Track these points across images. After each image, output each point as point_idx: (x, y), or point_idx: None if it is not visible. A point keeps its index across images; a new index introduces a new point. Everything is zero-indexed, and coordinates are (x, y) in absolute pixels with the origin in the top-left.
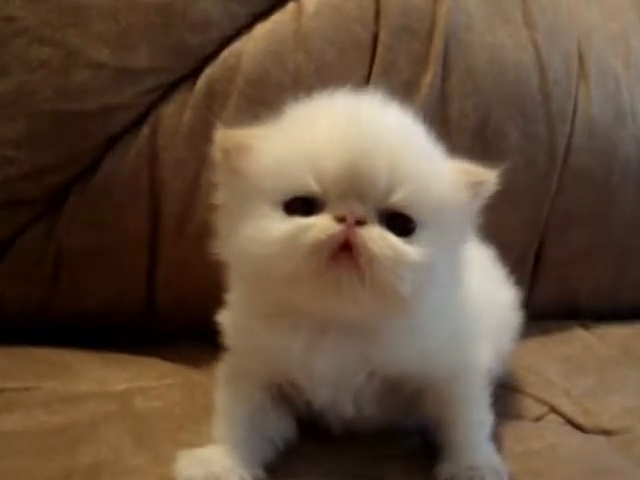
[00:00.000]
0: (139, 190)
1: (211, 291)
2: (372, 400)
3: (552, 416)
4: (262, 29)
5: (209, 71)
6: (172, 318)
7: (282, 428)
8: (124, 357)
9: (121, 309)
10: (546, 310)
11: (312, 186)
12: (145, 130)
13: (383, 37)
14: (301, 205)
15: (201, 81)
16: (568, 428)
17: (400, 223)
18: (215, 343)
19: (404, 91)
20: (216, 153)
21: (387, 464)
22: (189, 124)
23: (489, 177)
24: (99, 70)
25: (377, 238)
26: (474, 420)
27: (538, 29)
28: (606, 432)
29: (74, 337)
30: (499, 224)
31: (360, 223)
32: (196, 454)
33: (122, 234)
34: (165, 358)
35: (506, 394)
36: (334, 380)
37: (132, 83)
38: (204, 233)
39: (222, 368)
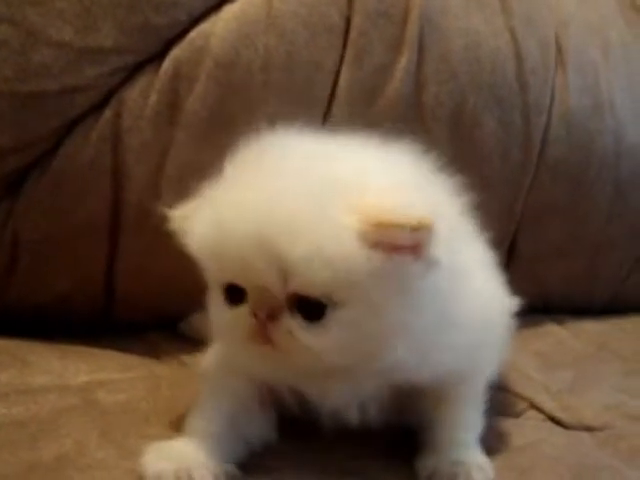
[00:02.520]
0: (101, 175)
1: (174, 281)
2: (376, 404)
3: (532, 412)
4: (232, 10)
5: (176, 53)
6: (133, 309)
7: (263, 428)
8: (84, 349)
9: (79, 300)
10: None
11: (229, 276)
12: (108, 113)
13: (357, 21)
14: (234, 292)
15: (167, 63)
16: (549, 424)
17: (309, 307)
18: (180, 334)
19: (378, 76)
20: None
21: (369, 460)
22: (154, 107)
23: (404, 231)
24: (60, 50)
25: (284, 335)
26: (466, 420)
27: (515, 16)
28: (588, 428)
29: (30, 328)
30: (472, 216)
31: (270, 316)
32: (165, 447)
33: (82, 222)
34: (128, 350)
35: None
36: (347, 397)
37: (95, 64)
38: (168, 222)
39: (210, 359)
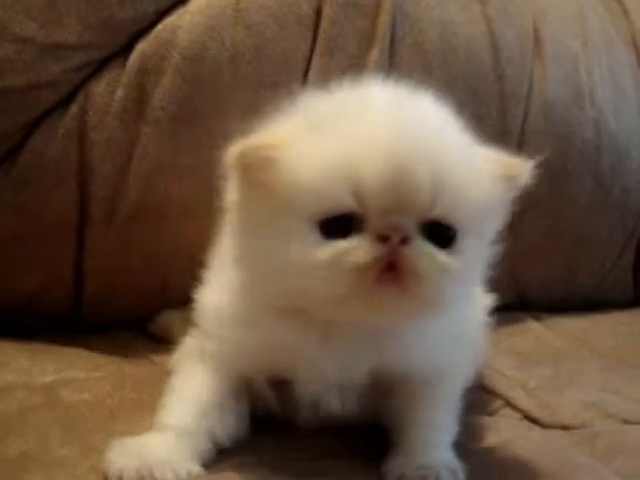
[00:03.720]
0: (67, 172)
1: (142, 281)
2: (355, 397)
3: (507, 410)
4: (199, 2)
5: (142, 47)
6: (102, 308)
7: (234, 424)
8: (53, 348)
9: (49, 299)
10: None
11: (350, 203)
12: (74, 109)
13: (327, 11)
14: (338, 224)
15: (133, 57)
16: (525, 423)
17: (441, 233)
18: (149, 334)
19: (349, 68)
20: (232, 169)
21: (334, 461)
22: (121, 102)
23: (524, 169)
24: (24, 45)
25: (422, 257)
26: (440, 422)
27: (491, 5)
28: (566, 427)
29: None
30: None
31: (403, 241)
32: (129, 443)
33: (49, 220)
34: (97, 349)
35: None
36: (336, 377)
37: (60, 59)
38: (135, 219)
39: (188, 352)
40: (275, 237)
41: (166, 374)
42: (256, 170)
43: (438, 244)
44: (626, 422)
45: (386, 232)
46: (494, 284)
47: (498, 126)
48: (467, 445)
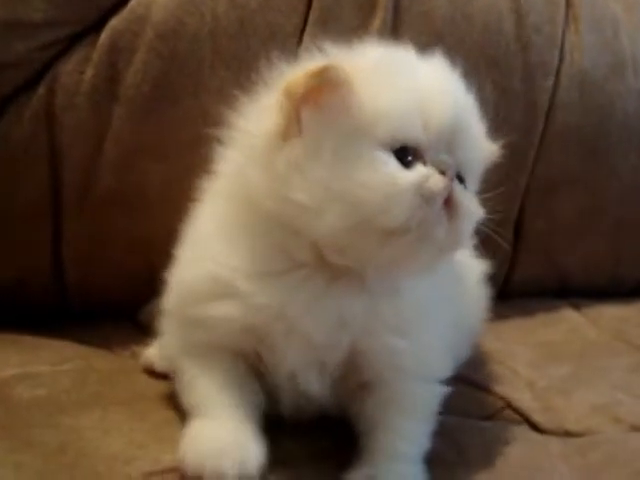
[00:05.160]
0: (37, 157)
1: (129, 268)
2: (331, 385)
3: (508, 413)
4: None
5: (114, 23)
6: (88, 297)
7: (258, 393)
8: (23, 339)
9: (29, 289)
10: (530, 288)
11: (421, 136)
12: (41, 90)
13: None
14: (407, 154)
15: (105, 34)
16: (523, 428)
17: (460, 178)
18: (139, 323)
19: (346, 42)
20: (296, 89)
21: (295, 465)
22: (91, 82)
23: (494, 149)
24: None
25: (467, 196)
26: (410, 431)
27: None
28: (568, 433)
29: None
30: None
31: (451, 178)
32: (200, 440)
33: (22, 207)
34: (79, 340)
35: (459, 388)
36: (308, 357)
37: (25, 38)
38: (112, 204)
39: (174, 344)
40: (351, 161)
41: (138, 367)
42: (329, 90)
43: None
44: (633, 429)
45: (444, 167)
46: (529, 269)
47: (523, 100)
48: (446, 454)
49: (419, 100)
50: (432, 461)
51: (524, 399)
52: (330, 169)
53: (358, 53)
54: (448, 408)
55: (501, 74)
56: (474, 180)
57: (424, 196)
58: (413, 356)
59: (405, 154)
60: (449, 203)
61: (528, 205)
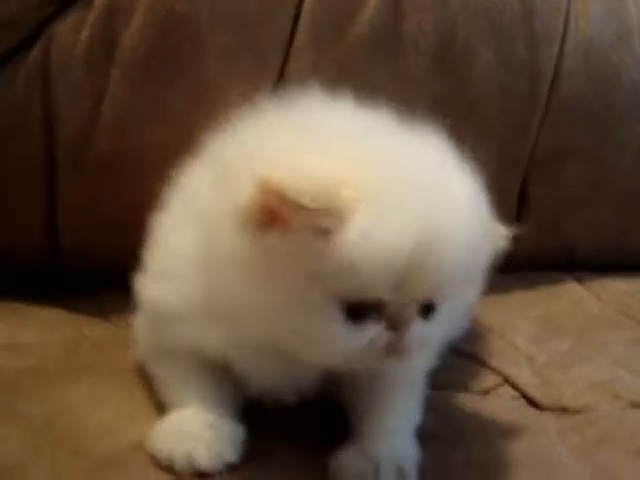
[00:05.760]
0: (31, 119)
1: (127, 235)
2: (312, 383)
3: (505, 389)
4: None
5: None
6: (84, 265)
7: (236, 394)
8: (17, 307)
9: (22, 255)
10: (534, 260)
11: (388, 296)
12: (36, 51)
13: None
14: (363, 308)
15: None
16: (519, 404)
17: (428, 306)
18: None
19: (348, 3)
20: (266, 208)
21: (283, 445)
22: (87, 43)
23: (506, 238)
24: None
25: (418, 338)
26: (398, 405)
27: None
28: (565, 409)
29: None
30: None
31: (407, 325)
32: (170, 428)
33: (14, 171)
34: (74, 309)
35: (456, 361)
36: (280, 381)
37: None
38: (108, 169)
39: (146, 340)
40: (290, 298)
41: (130, 337)
42: (299, 231)
43: (424, 315)
44: (633, 405)
45: (400, 323)
46: (534, 241)
47: (528, 68)
48: (439, 429)
49: (410, 253)
50: (426, 438)
51: (522, 374)
52: (267, 293)
53: (355, 146)
54: (444, 382)
55: (505, 41)
56: (456, 295)
57: (358, 352)
58: None
59: (362, 309)
60: (393, 350)
61: (533, 175)
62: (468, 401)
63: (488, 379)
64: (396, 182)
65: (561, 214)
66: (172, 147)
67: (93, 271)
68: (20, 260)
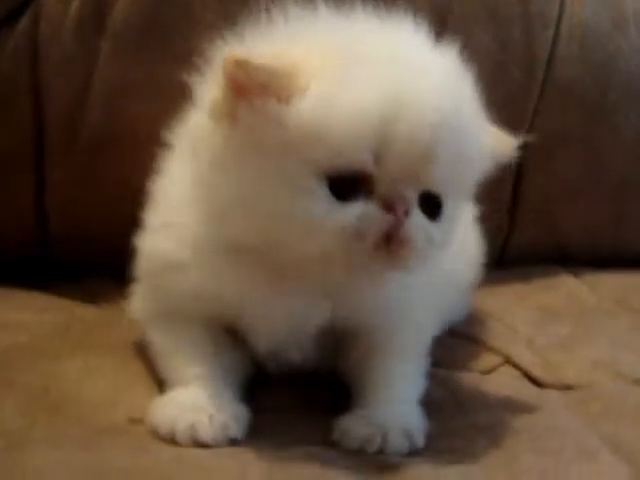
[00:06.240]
0: (19, 93)
1: (119, 218)
2: (314, 347)
3: (506, 368)
4: None
5: None
6: (73, 249)
7: (241, 361)
8: (7, 291)
9: (10, 239)
10: (528, 254)
11: (369, 164)
12: (24, 22)
13: None
14: (347, 183)
15: None
16: (521, 382)
17: (432, 203)
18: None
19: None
20: (230, 84)
21: (286, 413)
22: (77, 14)
23: (512, 146)
24: None
25: (419, 230)
26: (402, 374)
27: None
28: (568, 387)
29: None
30: None
31: (406, 212)
32: (171, 402)
33: (2, 149)
34: (64, 295)
35: (455, 343)
36: (286, 327)
37: None
38: (100, 146)
39: (145, 313)
40: (269, 180)
41: (125, 319)
42: (264, 96)
43: (428, 215)
44: (635, 383)
45: (393, 202)
46: (527, 234)
47: (522, 51)
48: (446, 405)
49: (376, 122)
50: (431, 410)
51: (523, 355)
52: (247, 182)
53: (324, 32)
54: (447, 362)
55: (500, 24)
56: (459, 195)
57: (347, 235)
58: (398, 310)
59: (346, 183)
60: (392, 239)
61: (527, 165)
62: (470, 379)
63: (489, 359)
64: (361, 54)
65: (555, 202)
66: (164, 123)
67: (82, 257)
68: (9, 245)
